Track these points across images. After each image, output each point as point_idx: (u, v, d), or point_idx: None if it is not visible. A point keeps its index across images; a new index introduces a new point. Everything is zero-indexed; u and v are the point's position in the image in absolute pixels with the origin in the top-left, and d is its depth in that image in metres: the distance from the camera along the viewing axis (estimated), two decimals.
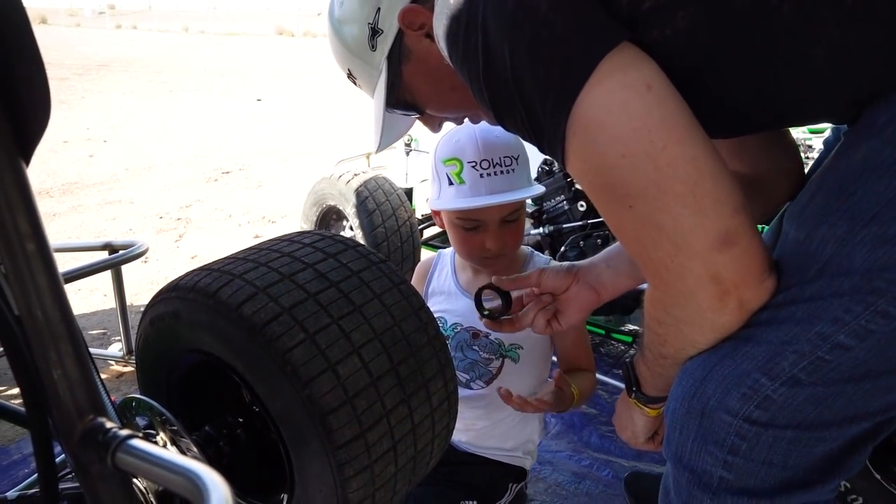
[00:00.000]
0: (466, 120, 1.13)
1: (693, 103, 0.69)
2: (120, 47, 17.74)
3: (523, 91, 0.71)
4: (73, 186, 5.30)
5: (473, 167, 1.24)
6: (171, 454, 0.42)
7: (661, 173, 0.67)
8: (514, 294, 1.16)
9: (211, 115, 8.86)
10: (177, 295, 0.90)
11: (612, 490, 1.81)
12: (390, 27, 0.94)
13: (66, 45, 17.66)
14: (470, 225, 1.31)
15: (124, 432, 0.47)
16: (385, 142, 1.09)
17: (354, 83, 1.06)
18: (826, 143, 0.97)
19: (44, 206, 4.74)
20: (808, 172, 0.99)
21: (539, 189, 1.32)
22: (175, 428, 0.84)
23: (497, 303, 1.17)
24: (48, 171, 5.72)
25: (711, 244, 0.67)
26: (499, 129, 1.24)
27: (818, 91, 0.69)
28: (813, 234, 0.69)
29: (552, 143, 0.73)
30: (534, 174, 2.31)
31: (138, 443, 0.46)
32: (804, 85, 0.69)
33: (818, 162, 0.96)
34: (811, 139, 3.54)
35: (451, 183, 1.27)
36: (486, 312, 1.17)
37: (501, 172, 1.25)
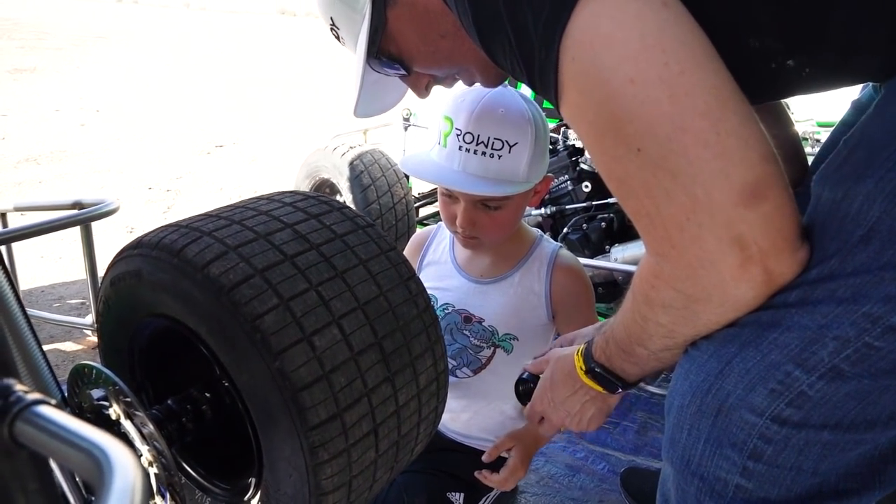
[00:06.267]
0: (477, 84, 1.01)
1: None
2: (120, 20, 17.44)
3: (514, 2, 0.61)
4: (62, 154, 5.17)
5: (458, 135, 1.12)
6: (78, 424, 0.32)
7: (677, 103, 0.56)
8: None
9: (209, 89, 8.70)
10: (139, 252, 0.81)
11: (608, 485, 1.72)
12: None
13: (65, 15, 17.36)
14: (446, 192, 1.21)
15: (31, 397, 0.37)
16: (366, 107, 0.97)
17: (338, 38, 0.94)
18: (855, 103, 0.85)
19: (29, 173, 4.62)
20: (831, 138, 0.89)
21: (519, 189, 1.13)
22: (129, 400, 0.74)
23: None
24: (37, 138, 5.59)
25: (737, 197, 0.56)
26: (508, 104, 1.13)
27: (861, 12, 0.58)
28: (853, 192, 0.57)
29: (544, 71, 0.62)
30: None
31: (46, 410, 0.36)
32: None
33: (842, 126, 0.86)
34: (819, 132, 3.43)
35: (439, 141, 1.17)
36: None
37: (483, 154, 1.11)
